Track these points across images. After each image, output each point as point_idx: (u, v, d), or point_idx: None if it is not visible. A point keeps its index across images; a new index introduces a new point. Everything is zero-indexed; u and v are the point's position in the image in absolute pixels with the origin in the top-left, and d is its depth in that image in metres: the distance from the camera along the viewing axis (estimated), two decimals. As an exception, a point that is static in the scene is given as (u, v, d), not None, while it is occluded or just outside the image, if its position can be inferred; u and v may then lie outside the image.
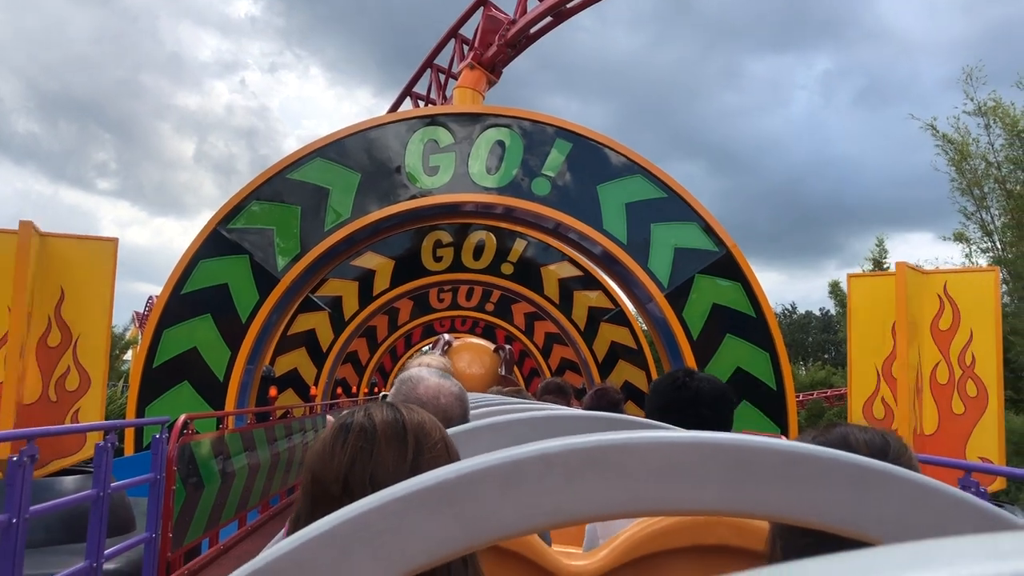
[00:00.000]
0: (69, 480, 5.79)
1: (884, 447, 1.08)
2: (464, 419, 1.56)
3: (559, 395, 3.96)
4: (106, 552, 4.48)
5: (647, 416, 1.87)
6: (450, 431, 1.06)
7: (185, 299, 9.84)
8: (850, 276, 6.39)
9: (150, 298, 42.74)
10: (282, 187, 10.26)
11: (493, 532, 0.53)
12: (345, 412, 0.99)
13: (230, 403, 9.77)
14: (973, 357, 6.05)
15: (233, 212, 10.15)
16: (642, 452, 0.54)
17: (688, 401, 1.85)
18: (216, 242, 10.04)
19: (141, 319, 43.46)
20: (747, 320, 10.54)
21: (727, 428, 1.87)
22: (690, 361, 10.54)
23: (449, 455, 0.93)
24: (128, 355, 38.90)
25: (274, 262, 10.13)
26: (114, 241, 7.01)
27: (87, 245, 6.47)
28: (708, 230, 10.66)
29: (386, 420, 0.94)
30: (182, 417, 5.48)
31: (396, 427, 0.93)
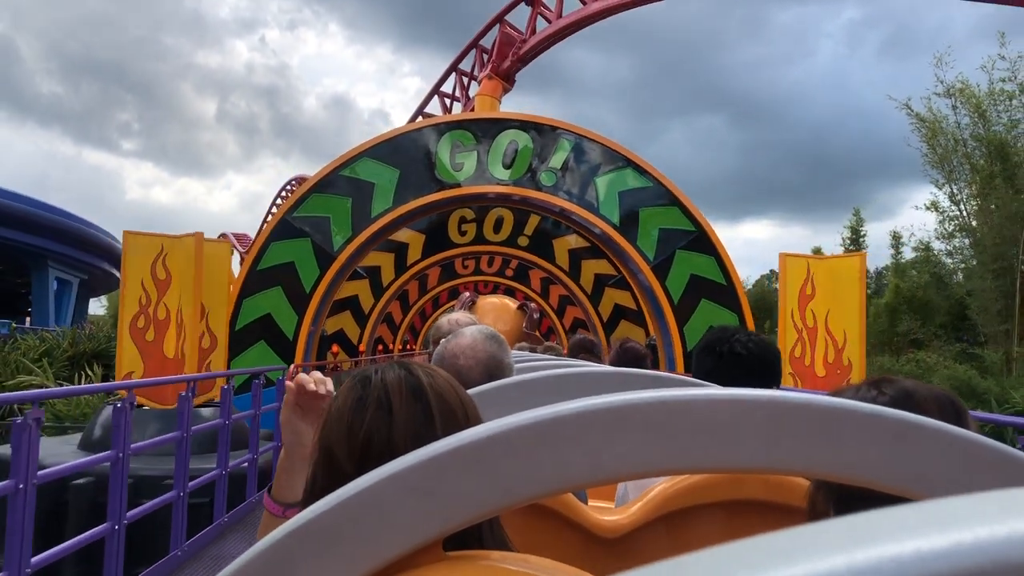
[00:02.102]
0: (207, 411, 8.22)
1: (954, 405, 1.01)
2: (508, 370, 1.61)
3: (590, 353, 4.01)
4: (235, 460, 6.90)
5: (695, 363, 1.90)
6: (500, 383, 1.06)
7: (260, 274, 12.22)
8: (782, 255, 8.47)
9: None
10: (336, 182, 12.57)
11: (528, 491, 0.53)
12: (357, 375, 0.92)
13: (298, 357, 12.17)
14: (845, 334, 8.24)
15: (297, 203, 12.50)
16: (679, 409, 0.53)
17: (722, 339, 1.83)
18: (284, 228, 12.40)
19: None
20: (719, 287, 12.81)
21: (774, 380, 1.83)
22: (671, 321, 12.90)
23: (468, 420, 0.87)
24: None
25: (330, 243, 12.47)
26: (228, 244, 9.38)
27: (211, 245, 8.88)
28: (687, 213, 12.88)
29: (403, 387, 0.88)
30: (292, 366, 7.87)
31: (414, 393, 0.87)
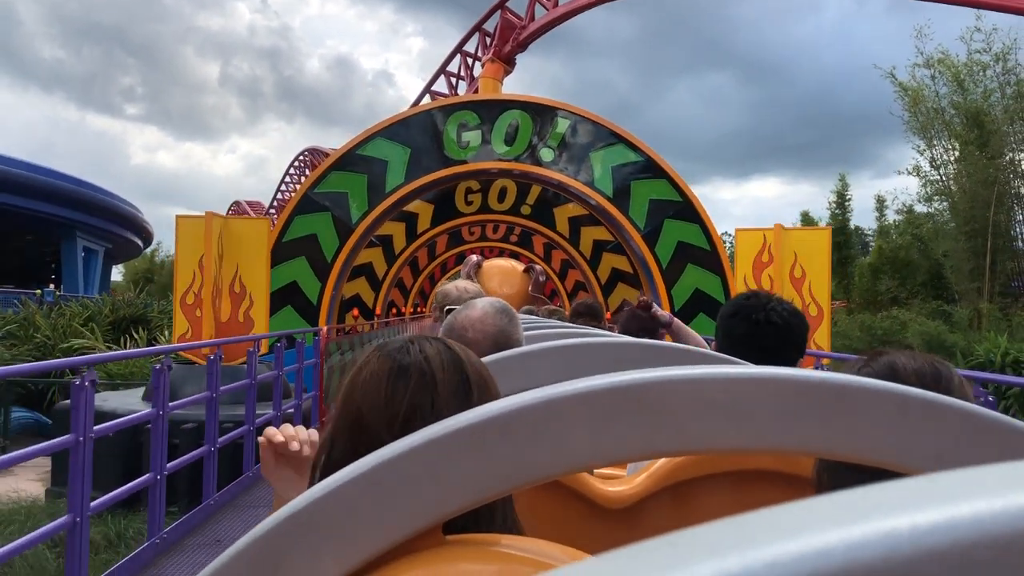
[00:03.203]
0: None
1: (935, 376, 1.02)
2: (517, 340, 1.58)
3: (591, 317, 4.01)
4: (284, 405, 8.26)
5: (716, 330, 1.85)
6: (510, 352, 1.07)
7: (286, 245, 13.46)
8: (737, 230, 9.69)
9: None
10: (353, 160, 13.77)
11: (528, 475, 0.52)
12: (393, 346, 0.90)
13: (321, 321, 13.46)
14: (810, 289, 9.52)
15: (317, 180, 13.73)
16: (682, 389, 0.52)
17: (757, 306, 1.76)
18: (306, 203, 13.63)
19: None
20: (703, 253, 14.03)
21: (800, 348, 1.78)
22: (660, 284, 14.17)
23: (495, 396, 0.86)
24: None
25: (348, 217, 13.71)
26: (268, 220, 10.65)
27: (252, 223, 10.18)
28: (674, 185, 14.08)
29: (444, 361, 0.87)
30: (325, 328, 9.19)
31: (456, 369, 0.86)
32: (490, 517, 0.81)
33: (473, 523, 0.78)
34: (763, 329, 1.72)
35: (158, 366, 5.20)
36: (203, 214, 9.54)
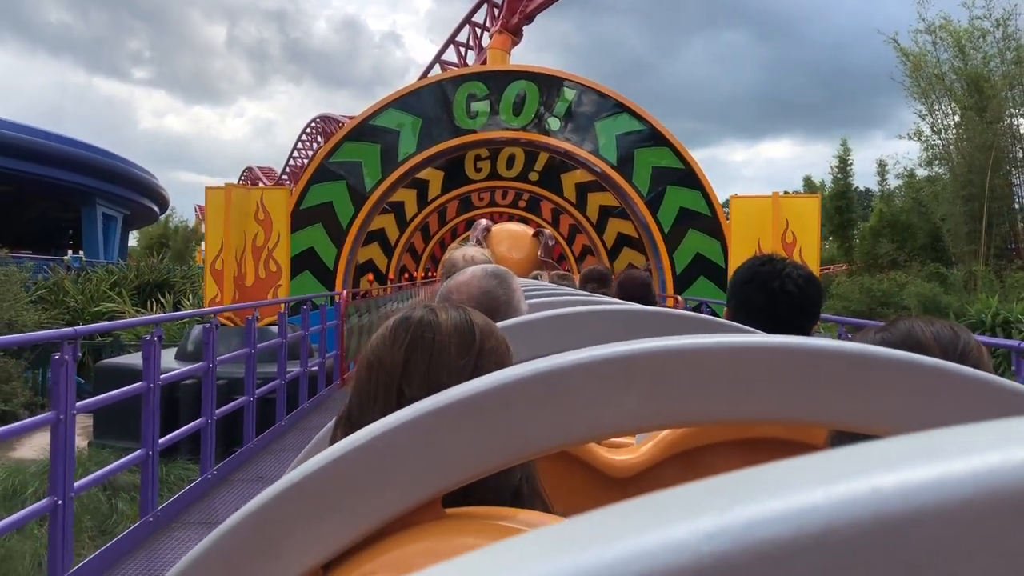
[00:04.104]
0: (274, 328, 10.30)
1: (954, 341, 1.00)
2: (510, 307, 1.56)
3: (600, 283, 4.05)
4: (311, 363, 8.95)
5: (728, 296, 1.81)
6: (516, 320, 1.06)
7: (303, 213, 14.05)
8: (732, 197, 10.26)
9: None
10: (366, 131, 14.31)
11: (530, 446, 0.52)
12: (405, 311, 0.93)
13: (338, 285, 14.11)
14: (801, 255, 10.11)
15: (332, 150, 14.28)
16: (687, 359, 0.51)
17: (773, 275, 1.70)
18: (322, 172, 14.20)
19: (204, 211, 48.43)
20: (704, 218, 14.57)
21: (814, 315, 1.72)
22: (663, 248, 14.76)
23: (510, 359, 0.89)
24: (203, 247, 43.69)
25: (363, 185, 14.28)
26: (287, 189, 11.30)
27: (275, 192, 10.82)
28: (676, 153, 14.59)
29: (450, 317, 0.89)
30: (344, 292, 9.85)
31: (461, 324, 0.88)
32: (503, 488, 0.81)
33: (481, 495, 0.78)
34: (778, 298, 1.68)
35: (207, 326, 5.95)
36: (226, 185, 10.15)
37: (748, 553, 0.18)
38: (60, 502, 3.65)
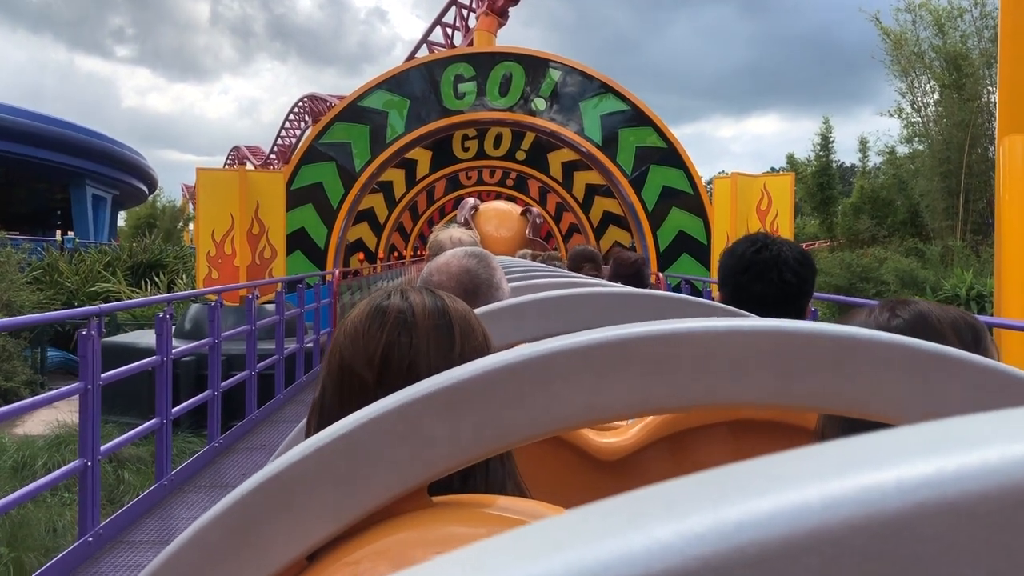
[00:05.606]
0: (270, 307, 10.62)
1: (970, 327, 0.98)
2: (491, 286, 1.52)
3: (591, 263, 4.00)
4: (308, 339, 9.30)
5: (721, 281, 1.76)
6: (500, 304, 1.05)
7: (294, 193, 14.30)
8: (715, 178, 10.67)
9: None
10: (355, 112, 14.56)
11: (518, 434, 0.51)
12: (376, 295, 0.89)
13: (329, 264, 14.39)
14: (777, 227, 10.51)
15: (322, 131, 14.53)
16: (674, 343, 0.50)
17: (770, 263, 1.66)
18: (312, 153, 14.45)
19: (191, 191, 48.32)
20: (687, 196, 14.94)
21: (809, 293, 1.71)
22: (646, 226, 15.13)
23: (488, 347, 0.86)
24: (191, 227, 43.57)
25: (352, 165, 14.53)
26: (283, 173, 11.59)
27: (270, 176, 11.11)
28: (659, 132, 14.93)
29: (426, 305, 0.85)
30: (337, 271, 10.19)
31: (437, 313, 0.85)
32: (483, 477, 0.79)
33: (462, 483, 0.77)
34: (776, 287, 1.66)
35: (213, 304, 6.36)
36: (221, 168, 10.42)
37: (738, 556, 0.17)
38: (89, 464, 3.91)
